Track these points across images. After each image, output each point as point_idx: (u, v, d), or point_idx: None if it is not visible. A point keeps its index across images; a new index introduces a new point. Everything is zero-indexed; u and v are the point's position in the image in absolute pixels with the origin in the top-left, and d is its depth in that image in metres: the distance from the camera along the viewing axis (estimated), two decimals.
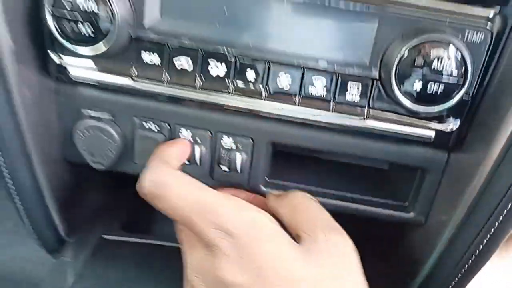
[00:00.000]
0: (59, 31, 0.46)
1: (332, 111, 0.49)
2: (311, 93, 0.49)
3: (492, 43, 0.45)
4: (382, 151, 0.53)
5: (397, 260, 0.66)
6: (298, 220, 0.46)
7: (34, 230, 0.64)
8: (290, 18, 0.47)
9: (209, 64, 0.49)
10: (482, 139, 0.49)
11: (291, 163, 0.62)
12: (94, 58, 0.48)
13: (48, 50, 0.50)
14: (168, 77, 0.50)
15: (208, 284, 0.43)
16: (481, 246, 0.51)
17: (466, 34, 0.45)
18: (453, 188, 0.53)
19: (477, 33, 0.45)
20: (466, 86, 0.44)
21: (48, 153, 0.60)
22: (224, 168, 0.58)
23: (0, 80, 0.49)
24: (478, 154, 0.49)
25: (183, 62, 0.50)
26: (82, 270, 0.63)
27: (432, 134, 0.49)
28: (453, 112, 0.47)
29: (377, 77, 0.47)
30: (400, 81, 0.45)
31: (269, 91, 0.50)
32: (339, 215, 0.50)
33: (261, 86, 0.49)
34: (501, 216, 0.46)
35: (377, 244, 0.66)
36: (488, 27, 0.45)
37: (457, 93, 0.44)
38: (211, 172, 0.59)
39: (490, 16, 0.44)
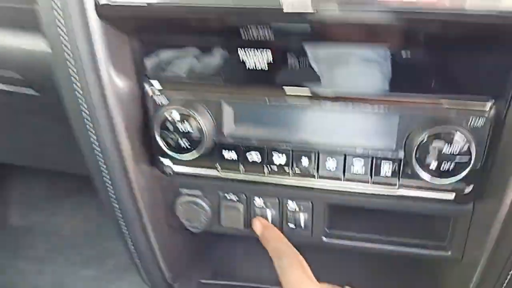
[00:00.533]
0: (166, 145, 0.65)
1: (370, 183, 0.64)
2: (353, 172, 0.64)
3: (492, 126, 0.58)
4: (418, 208, 0.67)
5: None
6: None
7: (148, 279, 0.84)
8: (330, 117, 0.63)
9: (273, 156, 0.66)
10: (497, 192, 0.61)
11: (346, 215, 0.77)
12: (189, 160, 0.66)
13: (159, 157, 0.70)
14: (243, 168, 0.68)
15: None
16: (508, 277, 0.64)
17: (470, 121, 0.58)
18: (482, 229, 0.65)
19: (479, 120, 0.58)
20: (472, 163, 0.57)
21: (157, 220, 0.79)
22: (291, 225, 0.75)
23: (123, 172, 0.68)
24: (496, 204, 0.61)
25: (254, 157, 0.67)
26: None
27: (451, 196, 0.62)
28: (467, 180, 0.60)
29: (403, 158, 0.61)
30: (420, 161, 0.58)
31: (319, 173, 0.65)
32: (387, 258, 0.64)
33: (314, 170, 0.65)
34: None
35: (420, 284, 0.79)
36: (486, 115, 0.58)
37: (465, 168, 0.57)
38: (281, 229, 0.75)
39: (488, 108, 0.57)
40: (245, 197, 0.74)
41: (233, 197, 0.75)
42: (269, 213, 0.74)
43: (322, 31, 0.55)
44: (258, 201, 0.74)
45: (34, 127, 0.92)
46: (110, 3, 0.54)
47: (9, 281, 1.59)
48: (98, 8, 0.55)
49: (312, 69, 0.60)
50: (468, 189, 0.61)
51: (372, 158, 0.63)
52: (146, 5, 0.54)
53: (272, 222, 0.75)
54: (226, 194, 0.75)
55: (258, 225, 0.73)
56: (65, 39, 0.57)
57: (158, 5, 0.54)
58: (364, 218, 0.77)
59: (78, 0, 0.55)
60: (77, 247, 1.66)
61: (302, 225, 0.74)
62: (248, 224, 0.75)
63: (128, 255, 0.84)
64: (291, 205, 0.73)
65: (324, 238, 0.75)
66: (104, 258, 1.62)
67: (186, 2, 0.53)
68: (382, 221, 0.76)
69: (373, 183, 0.64)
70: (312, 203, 0.72)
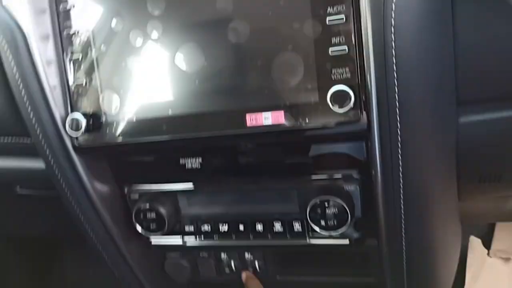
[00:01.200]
0: (141, 227, 0.91)
1: (288, 239, 0.87)
2: (275, 231, 0.88)
3: (361, 189, 0.80)
4: (332, 251, 0.89)
5: None
6: None
7: None
8: (255, 198, 0.87)
9: (219, 226, 0.91)
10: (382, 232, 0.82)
11: (293, 260, 0.99)
12: (160, 236, 0.92)
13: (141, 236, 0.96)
14: (200, 237, 0.93)
15: None
16: None
17: (346, 188, 0.80)
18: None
19: (352, 187, 0.80)
20: (349, 218, 0.78)
21: (152, 277, 1.05)
22: (251, 269, 0.99)
23: (117, 250, 0.95)
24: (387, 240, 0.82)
25: (206, 228, 0.92)
26: None
27: (346, 242, 0.84)
28: (353, 228, 0.82)
29: (305, 218, 0.84)
30: (312, 219, 0.80)
31: (252, 234, 0.89)
32: None
33: (248, 233, 0.89)
34: None
35: None
36: (357, 183, 0.79)
37: (346, 222, 0.78)
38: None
39: (355, 176, 0.79)
40: (213, 253, 0.99)
41: (205, 254, 1.00)
42: (232, 263, 0.99)
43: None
44: (223, 255, 0.99)
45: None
46: (81, 145, 0.82)
47: None
48: (75, 148, 0.83)
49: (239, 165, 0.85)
50: (356, 236, 0.83)
51: (286, 220, 0.86)
52: (107, 144, 0.81)
53: (237, 270, 0.99)
54: (199, 253, 1.00)
55: (244, 276, 0.97)
56: (55, 167, 0.85)
57: (121, 144, 0.80)
58: (306, 259, 0.99)
59: (61, 145, 0.82)
60: None
61: (258, 269, 0.98)
62: (220, 271, 1.00)
63: None
64: (247, 255, 0.97)
65: (278, 277, 0.99)
66: None
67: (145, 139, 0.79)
68: (318, 260, 0.98)
69: (290, 237, 0.87)
70: (262, 252, 0.96)
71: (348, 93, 0.65)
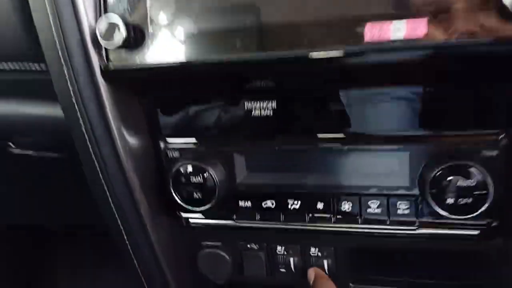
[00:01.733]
0: (180, 198, 0.66)
1: (388, 224, 0.62)
2: (369, 213, 0.63)
3: (506, 157, 0.55)
4: (443, 247, 0.64)
5: None
6: None
7: None
8: (343, 159, 0.62)
9: (288, 201, 0.66)
10: None
11: (373, 259, 0.74)
12: (205, 211, 0.67)
13: (176, 210, 0.71)
14: (259, 215, 0.67)
15: None
16: None
17: (483, 153, 0.56)
18: None
19: (492, 151, 0.56)
20: (490, 196, 0.54)
21: (179, 272, 0.79)
22: None
23: (142, 229, 0.69)
24: None
25: (269, 204, 0.66)
26: None
27: (475, 232, 0.59)
28: (489, 214, 0.57)
29: (419, 194, 0.59)
30: (435, 197, 0.56)
31: (336, 216, 0.64)
32: None
33: (330, 214, 0.64)
34: None
35: None
36: (499, 145, 0.55)
37: (484, 203, 0.55)
38: (302, 275, 0.73)
39: (499, 139, 0.55)
40: (266, 245, 0.73)
41: (254, 246, 0.74)
42: (291, 260, 0.73)
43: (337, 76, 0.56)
44: (280, 249, 0.73)
45: (58, 188, 0.96)
46: (114, 67, 0.57)
47: None
48: (104, 73, 0.58)
49: (323, 112, 0.60)
50: (493, 224, 0.58)
51: (388, 197, 0.61)
52: (151, 67, 0.56)
53: (296, 270, 0.73)
54: (247, 244, 0.74)
55: (311, 274, 0.71)
56: (76, 103, 0.60)
57: (160, 66, 0.56)
58: (391, 261, 0.74)
59: (86, 66, 0.58)
60: None
61: (327, 271, 0.72)
62: (272, 270, 0.74)
63: None
64: (313, 251, 0.71)
65: (351, 285, 0.73)
66: None
67: (197, 59, 0.55)
68: (410, 263, 0.73)
69: (391, 223, 0.62)
70: (334, 248, 0.70)
71: None
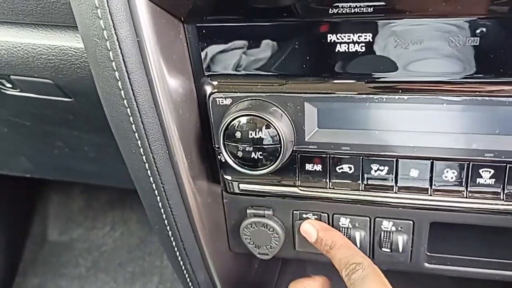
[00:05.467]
0: (232, 158, 0.51)
1: (502, 199, 0.49)
2: (478, 183, 0.49)
3: None
4: None
5: None
6: None
7: None
8: (442, 115, 0.48)
9: (371, 168, 0.51)
10: None
11: (448, 234, 0.62)
12: (262, 175, 0.52)
13: (225, 176, 0.56)
14: (331, 183, 0.53)
15: None
16: None
17: None
18: None
19: None
20: None
21: (217, 246, 0.66)
22: (386, 249, 0.60)
23: (177, 190, 0.55)
24: None
25: (345, 169, 0.52)
26: None
27: None
28: None
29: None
30: None
31: (433, 187, 0.50)
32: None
33: (425, 183, 0.50)
34: None
35: None
36: None
37: None
38: (372, 254, 0.60)
39: None
40: (327, 216, 0.60)
41: (312, 217, 0.60)
42: (357, 234, 0.60)
43: None
44: (344, 221, 0.59)
45: (68, 139, 0.80)
46: None
47: None
48: None
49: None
50: None
51: (469, 163, 0.47)
52: None
53: (361, 247, 0.60)
54: (304, 215, 0.60)
55: (311, 228, 0.58)
56: (103, 27, 0.44)
57: None
58: (469, 236, 0.61)
59: None
60: (120, 263, 1.56)
61: (400, 249, 0.59)
62: None
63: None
64: (387, 225, 0.58)
65: (426, 264, 0.60)
66: (149, 274, 1.51)
67: None
68: (491, 240, 0.60)
69: (506, 198, 0.48)
70: (413, 221, 0.57)
71: None
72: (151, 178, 0.53)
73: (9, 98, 0.69)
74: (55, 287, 1.56)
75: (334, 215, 0.60)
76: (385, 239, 0.59)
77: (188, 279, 0.67)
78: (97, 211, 1.64)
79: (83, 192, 1.64)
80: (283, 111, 0.51)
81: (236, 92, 0.52)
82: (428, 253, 0.60)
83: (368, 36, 0.46)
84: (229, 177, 0.57)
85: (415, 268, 0.61)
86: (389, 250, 0.60)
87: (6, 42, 0.58)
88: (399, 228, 0.58)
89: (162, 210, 0.57)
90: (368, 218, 0.59)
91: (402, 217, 0.57)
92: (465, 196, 0.50)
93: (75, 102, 0.66)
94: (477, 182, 0.49)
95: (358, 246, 0.60)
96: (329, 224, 0.61)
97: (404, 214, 0.57)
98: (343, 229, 0.60)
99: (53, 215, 1.67)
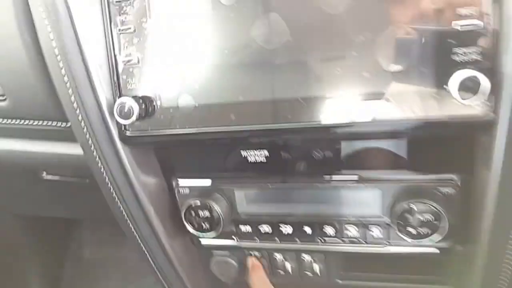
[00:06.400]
0: (191, 226, 0.79)
1: (364, 244, 0.76)
2: (349, 236, 0.76)
3: (461, 194, 0.67)
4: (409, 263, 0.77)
5: None
6: None
7: None
8: (327, 194, 0.75)
9: (281, 227, 0.79)
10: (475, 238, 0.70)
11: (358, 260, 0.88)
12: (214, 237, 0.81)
13: (190, 237, 0.84)
14: (257, 238, 0.81)
15: None
16: None
17: (442, 191, 0.68)
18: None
19: (449, 189, 0.67)
20: (441, 228, 0.66)
21: (195, 276, 0.94)
22: (309, 273, 0.87)
23: (160, 248, 0.84)
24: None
25: (265, 228, 0.80)
26: None
27: (436, 251, 0.72)
28: (444, 238, 0.70)
29: (389, 222, 0.72)
30: (400, 225, 0.69)
31: (321, 239, 0.77)
32: None
33: (317, 236, 0.77)
34: None
35: None
36: (456, 186, 0.67)
37: (437, 231, 0.67)
38: (300, 277, 0.88)
39: (455, 180, 0.67)
40: (267, 253, 0.87)
41: (257, 254, 0.88)
42: (288, 265, 0.87)
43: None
44: (278, 256, 0.87)
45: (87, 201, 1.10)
46: (130, 134, 0.69)
47: None
48: (122, 138, 0.70)
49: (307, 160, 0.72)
50: (447, 244, 0.71)
51: (363, 223, 0.74)
52: (164, 135, 0.68)
53: (292, 272, 0.87)
54: (250, 253, 0.88)
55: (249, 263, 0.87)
56: (98, 156, 0.72)
57: (179, 134, 0.67)
58: (374, 263, 0.88)
59: (106, 132, 0.70)
60: (145, 275, 1.86)
61: (319, 273, 0.86)
62: (273, 273, 0.89)
63: None
64: (307, 257, 0.85)
65: (339, 281, 0.87)
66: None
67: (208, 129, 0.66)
68: (389, 264, 0.86)
69: (366, 244, 0.75)
70: (324, 255, 0.84)
71: (477, 80, 0.52)
72: (141, 244, 0.82)
73: None
74: None
75: (271, 253, 0.87)
76: (307, 267, 0.87)
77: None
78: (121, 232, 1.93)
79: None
80: (222, 196, 0.79)
81: (192, 185, 0.80)
82: (342, 273, 0.88)
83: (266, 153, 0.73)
84: (192, 237, 0.85)
85: (332, 285, 0.88)
86: (311, 274, 0.87)
87: None
88: (315, 260, 0.86)
89: (151, 262, 0.86)
90: (294, 253, 0.86)
91: (313, 253, 0.84)
92: (340, 243, 0.77)
93: (85, 182, 0.95)
94: (347, 236, 0.76)
95: (290, 272, 0.88)
96: (269, 258, 0.88)
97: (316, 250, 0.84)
98: (279, 261, 0.88)
99: (86, 238, 1.98)
